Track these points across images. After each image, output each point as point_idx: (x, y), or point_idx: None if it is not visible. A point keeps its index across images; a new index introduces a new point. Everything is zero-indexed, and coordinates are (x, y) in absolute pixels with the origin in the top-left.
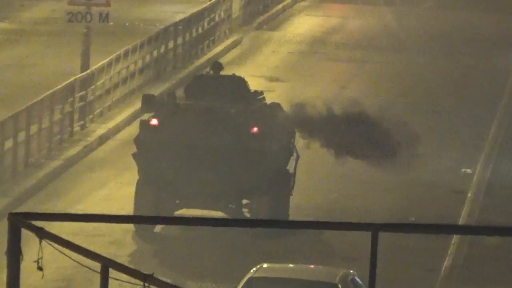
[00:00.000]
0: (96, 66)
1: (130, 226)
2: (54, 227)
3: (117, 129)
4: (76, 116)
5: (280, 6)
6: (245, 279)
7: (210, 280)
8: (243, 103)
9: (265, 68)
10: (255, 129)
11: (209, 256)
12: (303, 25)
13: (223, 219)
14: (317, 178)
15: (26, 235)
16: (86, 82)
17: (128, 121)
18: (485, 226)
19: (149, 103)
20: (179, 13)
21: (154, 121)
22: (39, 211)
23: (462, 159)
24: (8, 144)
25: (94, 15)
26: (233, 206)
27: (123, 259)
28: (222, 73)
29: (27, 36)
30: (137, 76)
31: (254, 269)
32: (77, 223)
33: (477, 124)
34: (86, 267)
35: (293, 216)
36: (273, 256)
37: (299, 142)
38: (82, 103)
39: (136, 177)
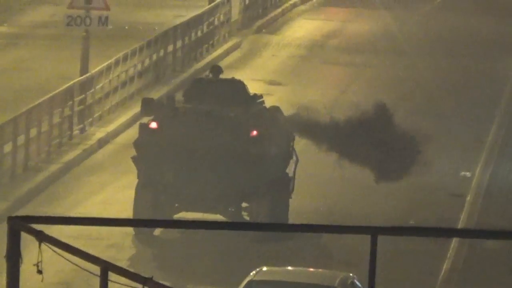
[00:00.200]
0: (95, 70)
1: (130, 230)
2: (53, 230)
3: (116, 132)
4: (75, 120)
5: (280, 9)
6: (244, 282)
7: (209, 283)
8: (243, 106)
9: (264, 71)
10: (255, 132)
11: (209, 259)
12: (302, 28)
13: (222, 223)
14: (316, 182)
15: (26, 238)
16: (86, 86)
17: (128, 125)
18: (484, 230)
19: (148, 106)
20: (178, 16)
21: (153, 125)
22: (39, 215)
23: (461, 162)
24: (8, 147)
25: (94, 19)
26: (233, 210)
27: (122, 263)
28: (221, 76)
29: (27, 39)
30: (137, 80)
31: (254, 272)
32: (77, 226)
33: (476, 127)
34: (86, 270)
35: (292, 219)
36: (273, 259)
37: (299, 145)
38: (81, 107)
39: (136, 181)
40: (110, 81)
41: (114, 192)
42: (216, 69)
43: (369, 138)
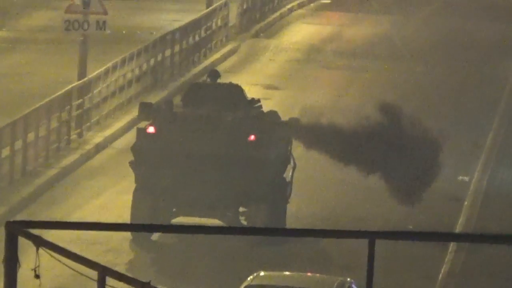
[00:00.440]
0: (93, 74)
1: (127, 234)
2: (51, 235)
3: (114, 137)
4: (73, 124)
5: (277, 14)
6: (242, 287)
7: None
8: (240, 111)
9: (262, 76)
10: (252, 137)
11: (206, 264)
12: (300, 33)
13: (220, 227)
14: (314, 186)
15: (24, 243)
16: (83, 90)
17: (125, 129)
18: (482, 234)
19: (146, 111)
20: (176, 21)
21: (151, 129)
22: (36, 219)
23: (459, 167)
24: (5, 152)
25: (91, 23)
26: (230, 214)
27: (120, 267)
28: (219, 81)
29: (25, 44)
30: (134, 84)
31: (251, 277)
32: (74, 231)
33: (474, 132)
34: (83, 275)
35: (290, 224)
36: (270, 264)
37: (296, 150)
38: (79, 111)
39: (133, 185)
40: (108, 86)
41: (112, 196)
42: (214, 73)
43: (367, 142)
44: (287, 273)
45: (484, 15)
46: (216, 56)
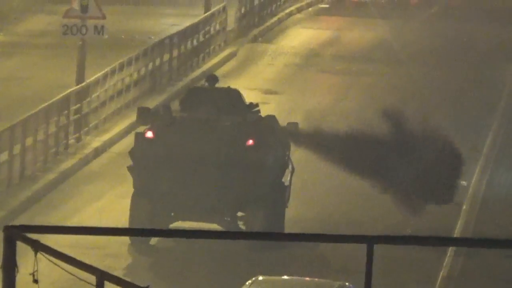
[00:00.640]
0: (91, 79)
1: (126, 239)
2: (49, 239)
3: (113, 141)
4: (71, 129)
5: (276, 18)
6: None
7: None
8: (238, 115)
9: (260, 80)
10: (251, 141)
11: (205, 269)
12: (299, 37)
13: (218, 232)
14: (312, 190)
15: (22, 247)
16: (81, 95)
17: (124, 134)
18: (480, 238)
19: (144, 115)
20: (174, 25)
21: (149, 134)
22: (35, 224)
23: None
24: (4, 156)
25: (90, 28)
26: (229, 219)
27: (118, 272)
28: (217, 85)
29: (23, 48)
30: (133, 89)
31: (250, 281)
32: (73, 235)
33: (472, 136)
34: (82, 279)
35: (288, 228)
36: (269, 269)
37: (295, 154)
38: (77, 116)
39: (131, 190)
40: (106, 90)
41: (110, 201)
42: (212, 78)
43: (366, 146)
44: (285, 277)
45: (483, 18)
46: (215, 60)
